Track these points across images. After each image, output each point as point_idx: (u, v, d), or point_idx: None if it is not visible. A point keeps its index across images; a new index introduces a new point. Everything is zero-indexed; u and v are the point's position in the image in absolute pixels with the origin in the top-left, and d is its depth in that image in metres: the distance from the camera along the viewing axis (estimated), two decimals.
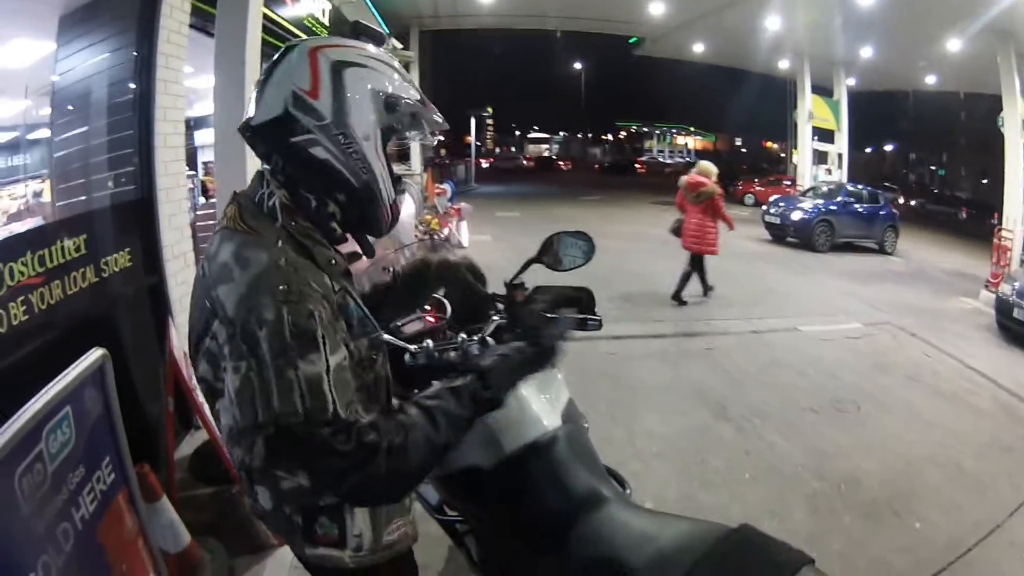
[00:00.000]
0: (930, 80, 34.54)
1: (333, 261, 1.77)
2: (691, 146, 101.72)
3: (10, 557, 2.05)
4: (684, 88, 72.66)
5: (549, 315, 2.15)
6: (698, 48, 34.90)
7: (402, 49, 25.31)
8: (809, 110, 30.52)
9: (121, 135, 4.84)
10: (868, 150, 64.60)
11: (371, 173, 1.79)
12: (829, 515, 5.17)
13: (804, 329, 10.70)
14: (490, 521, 2.28)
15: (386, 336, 2.09)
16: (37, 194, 4.59)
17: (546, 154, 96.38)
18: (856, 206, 21.62)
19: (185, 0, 5.28)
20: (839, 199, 21.59)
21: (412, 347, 2.29)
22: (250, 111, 1.77)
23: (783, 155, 53.52)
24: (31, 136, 4.68)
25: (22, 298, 3.28)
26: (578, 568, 1.94)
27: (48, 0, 4.52)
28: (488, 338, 2.32)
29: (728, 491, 5.46)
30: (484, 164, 55.59)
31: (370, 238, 1.99)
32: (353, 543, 1.84)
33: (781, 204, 22.20)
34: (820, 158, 31.47)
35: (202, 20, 6.51)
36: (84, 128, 4.70)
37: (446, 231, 15.68)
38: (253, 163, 1.70)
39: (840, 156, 31.03)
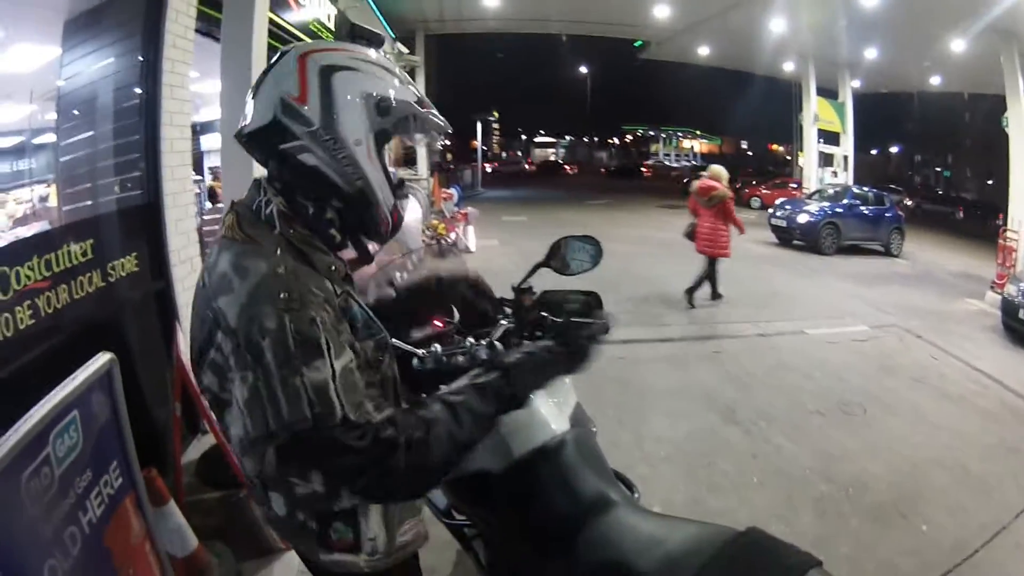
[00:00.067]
0: (934, 81, 34.53)
1: (333, 267, 1.76)
2: (697, 149, 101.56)
3: (17, 560, 2.06)
4: (689, 91, 72.39)
5: (582, 320, 2.12)
6: (703, 51, 34.90)
7: (407, 54, 25.37)
8: (814, 112, 30.55)
9: (127, 140, 4.84)
10: (873, 152, 64.52)
11: (364, 179, 1.77)
12: (836, 518, 5.16)
13: (811, 332, 10.69)
14: (498, 525, 2.28)
15: (393, 340, 2.08)
16: (43, 199, 4.60)
17: (552, 158, 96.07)
18: (862, 208, 21.59)
19: (190, 5, 5.29)
20: (845, 201, 21.59)
21: (420, 351, 2.29)
22: (245, 118, 1.76)
23: (789, 158, 53.53)
24: (37, 141, 4.68)
25: (28, 302, 3.28)
26: (586, 572, 1.94)
27: (53, 5, 4.53)
28: (496, 342, 2.31)
29: (736, 495, 5.46)
30: (487, 168, 55.54)
31: (372, 244, 1.97)
32: (368, 547, 1.82)
33: (787, 207, 22.23)
34: (826, 160, 31.50)
35: (208, 25, 6.52)
36: (90, 133, 4.71)
37: (453, 236, 15.69)
38: (259, 168, 1.68)
39: (846, 158, 31.05)
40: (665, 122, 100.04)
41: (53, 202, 4.57)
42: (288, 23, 10.95)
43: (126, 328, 4.43)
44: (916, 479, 5.84)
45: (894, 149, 69.77)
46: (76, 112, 4.75)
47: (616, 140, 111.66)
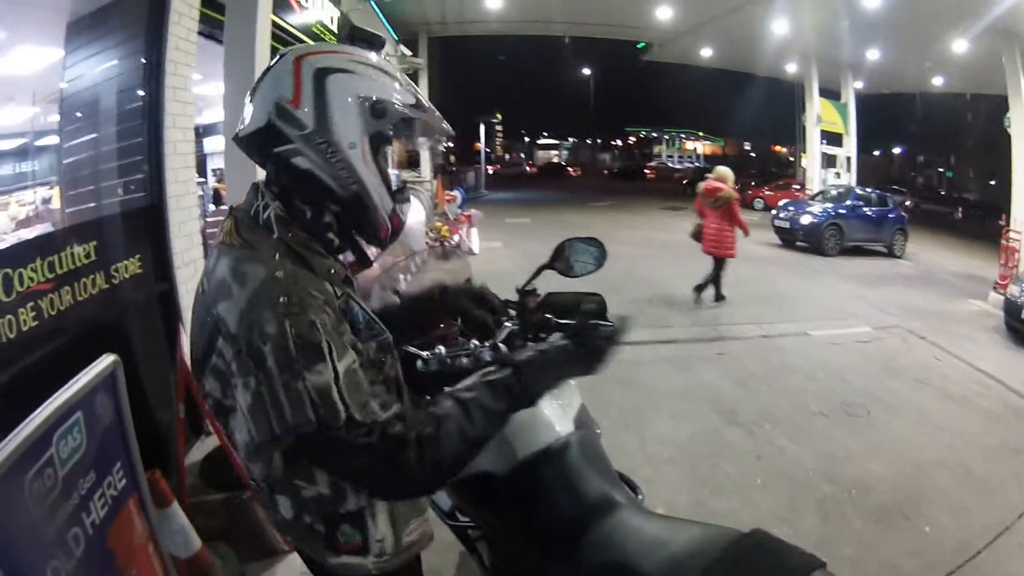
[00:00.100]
0: (937, 82, 34.60)
1: (333, 270, 1.75)
2: (700, 151, 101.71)
3: (20, 561, 2.05)
4: (692, 93, 72.55)
5: (602, 322, 2.10)
6: (706, 52, 34.97)
7: (410, 56, 25.37)
8: (817, 113, 30.59)
9: (130, 142, 4.84)
10: (876, 153, 64.52)
11: (359, 182, 1.75)
12: (839, 519, 5.16)
13: (814, 333, 10.69)
14: (502, 527, 2.28)
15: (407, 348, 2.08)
16: (46, 200, 4.60)
17: (555, 160, 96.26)
18: (865, 209, 21.60)
19: (193, 8, 5.29)
20: (848, 203, 21.59)
21: (424, 353, 2.29)
22: (243, 120, 1.75)
23: (792, 159, 53.54)
24: (39, 143, 4.68)
25: (31, 304, 3.28)
26: (590, 573, 1.94)
27: (55, 7, 4.53)
28: (500, 344, 2.31)
29: (739, 496, 5.46)
30: (489, 171, 55.61)
31: (372, 249, 1.97)
32: (376, 548, 1.81)
33: (790, 208, 22.24)
34: (829, 161, 31.52)
35: (211, 27, 6.53)
36: (93, 135, 4.70)
37: (456, 237, 15.69)
38: (263, 171, 1.68)
39: (849, 159, 31.10)
40: (668, 124, 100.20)
41: (56, 204, 4.57)
42: (291, 25, 10.97)
43: (130, 330, 4.42)
44: (919, 480, 5.84)
45: (897, 150, 69.76)
46: (79, 114, 4.75)
47: (619, 142, 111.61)
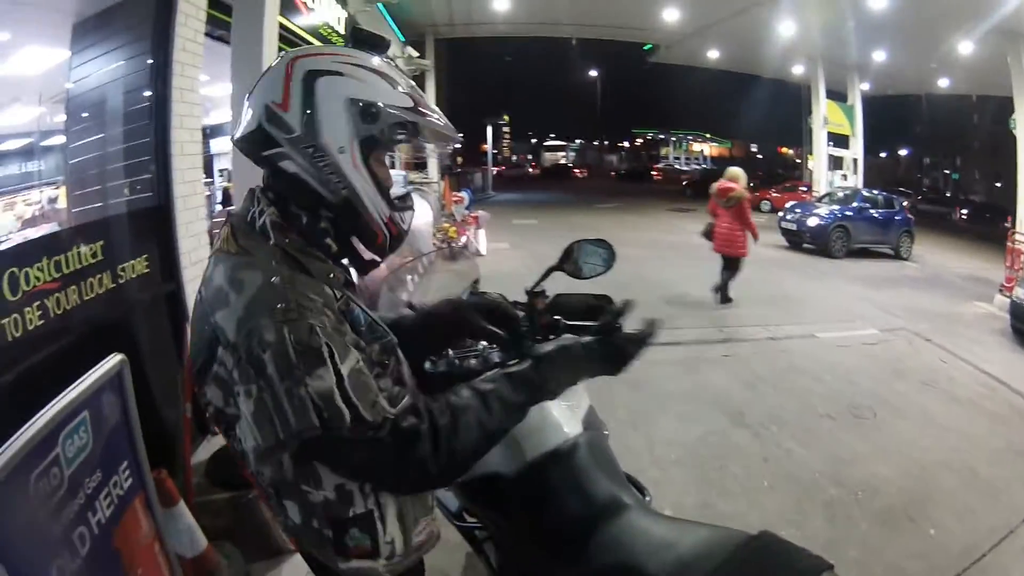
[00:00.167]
0: (942, 83, 34.66)
1: (332, 274, 1.72)
2: (707, 153, 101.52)
3: (24, 561, 2.06)
4: (699, 95, 72.52)
5: (635, 333, 2.07)
6: (712, 54, 35.01)
7: (418, 57, 25.39)
8: (824, 115, 30.55)
9: (137, 143, 4.85)
10: (883, 155, 64.46)
11: (349, 188, 1.70)
12: (846, 522, 5.15)
13: (821, 335, 10.67)
14: (510, 528, 2.27)
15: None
16: (52, 200, 4.62)
17: (562, 161, 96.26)
18: (872, 211, 21.58)
19: (200, 9, 5.30)
20: (855, 205, 21.57)
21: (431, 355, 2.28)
22: (240, 123, 1.74)
23: (798, 161, 53.54)
24: (45, 143, 4.70)
25: (38, 303, 3.29)
26: (598, 575, 1.93)
27: (61, 8, 4.55)
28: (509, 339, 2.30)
29: (746, 499, 5.45)
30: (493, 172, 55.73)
31: (370, 255, 1.89)
32: (386, 550, 1.78)
33: (797, 210, 22.20)
34: (835, 163, 31.46)
35: (218, 28, 6.54)
36: (100, 135, 4.72)
37: (464, 239, 15.70)
38: None
39: (855, 161, 31.07)
40: (675, 126, 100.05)
41: (62, 204, 4.58)
42: (298, 27, 10.99)
43: (136, 329, 4.43)
44: (925, 482, 5.82)
45: (903, 152, 69.69)
46: (85, 115, 4.76)
47: (626, 144, 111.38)
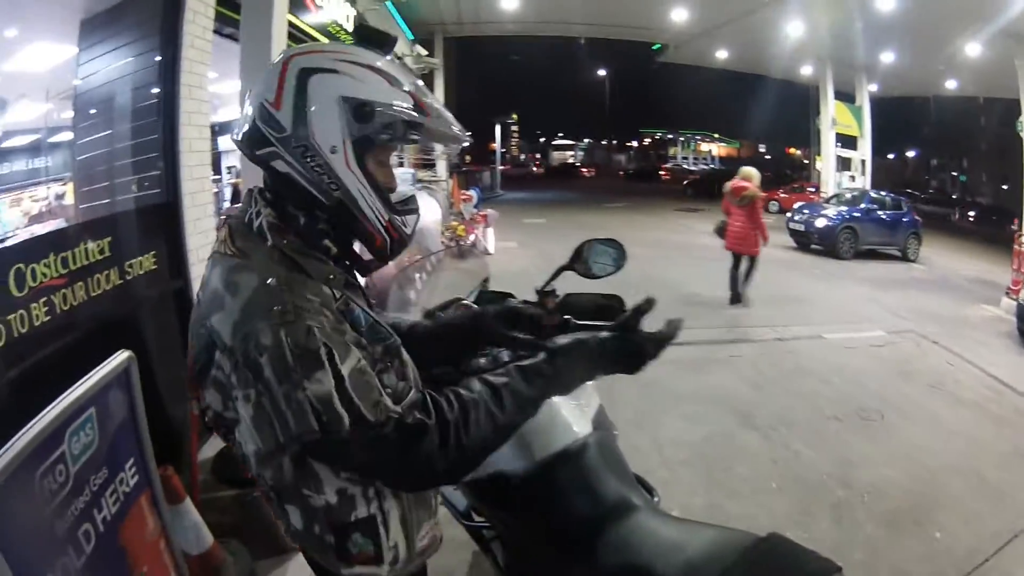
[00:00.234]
0: (950, 85, 34.65)
1: (332, 275, 1.67)
2: (715, 153, 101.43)
3: (28, 558, 2.05)
4: (707, 95, 72.42)
5: (656, 333, 2.03)
6: (721, 54, 35.08)
7: (426, 56, 25.42)
8: (832, 116, 30.57)
9: (145, 139, 4.85)
10: (890, 156, 64.38)
11: (343, 189, 1.65)
12: (852, 524, 5.14)
13: (828, 337, 10.65)
14: (519, 527, 2.26)
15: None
16: (59, 196, 4.62)
17: (570, 160, 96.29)
18: (879, 213, 21.55)
19: (208, 6, 5.30)
20: (863, 206, 21.52)
21: None
22: (240, 122, 1.71)
23: (807, 161, 53.49)
24: (53, 139, 4.70)
25: (44, 299, 3.29)
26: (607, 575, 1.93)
27: (68, 4, 4.55)
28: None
29: (754, 500, 5.44)
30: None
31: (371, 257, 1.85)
32: (389, 556, 1.75)
33: (805, 211, 22.21)
34: (843, 164, 31.44)
35: (227, 26, 6.54)
36: (107, 132, 4.72)
37: (472, 237, 15.70)
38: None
39: (863, 162, 31.05)
40: (683, 125, 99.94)
41: (69, 200, 4.58)
42: (307, 24, 11.00)
43: (144, 326, 4.43)
44: (931, 486, 5.81)
45: (911, 153, 69.62)
46: (93, 111, 4.76)
47: (634, 143, 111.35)
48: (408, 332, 2.08)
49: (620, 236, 2.72)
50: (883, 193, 23.67)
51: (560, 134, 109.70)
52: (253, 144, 1.65)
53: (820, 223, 20.79)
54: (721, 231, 12.35)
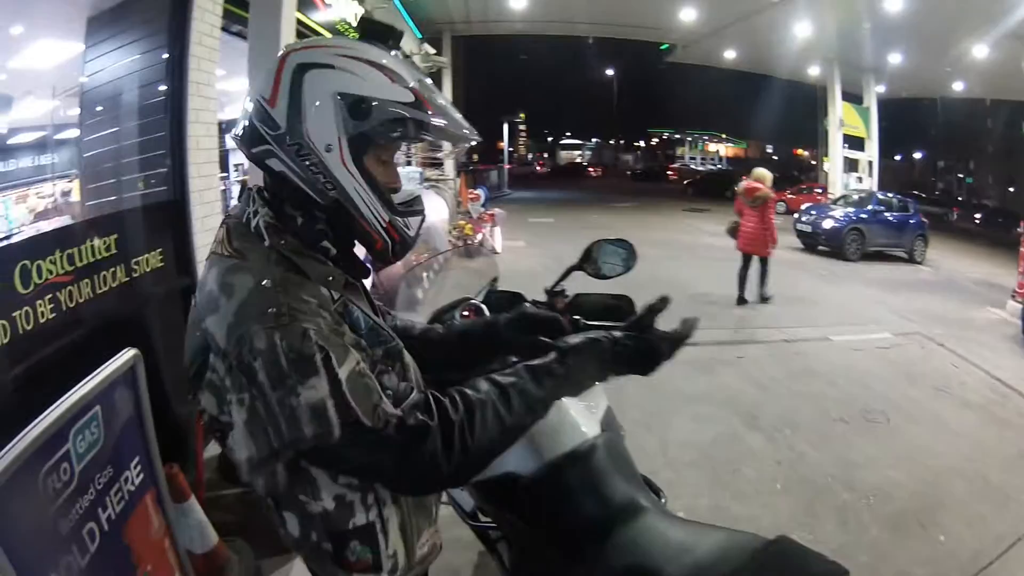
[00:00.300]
0: (957, 87, 34.56)
1: (331, 277, 1.62)
2: (723, 153, 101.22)
3: (32, 556, 2.05)
4: (715, 95, 72.16)
5: (671, 332, 2.01)
6: (729, 55, 35.02)
7: (434, 54, 25.42)
8: (840, 117, 30.52)
9: (152, 137, 4.86)
10: (897, 158, 64.28)
11: (339, 189, 1.60)
12: (857, 526, 5.13)
13: (835, 338, 10.64)
14: (526, 528, 2.25)
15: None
16: (66, 193, 4.62)
17: (578, 160, 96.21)
18: (886, 215, 21.52)
19: (216, 4, 5.30)
20: (870, 207, 21.47)
21: None
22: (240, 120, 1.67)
23: (814, 163, 53.44)
24: (59, 136, 4.70)
25: (50, 296, 3.29)
26: None
27: (76, 1, 4.55)
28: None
29: (759, 501, 5.44)
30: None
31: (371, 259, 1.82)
32: (388, 564, 1.72)
33: (812, 212, 22.19)
34: (851, 166, 31.42)
35: (235, 24, 6.55)
36: (114, 129, 4.73)
37: (479, 236, 15.70)
38: None
39: (870, 164, 31.02)
40: (691, 125, 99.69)
41: (76, 197, 4.59)
42: (315, 22, 11.01)
43: (150, 324, 4.43)
44: (936, 488, 5.81)
45: (918, 155, 69.52)
46: (100, 108, 4.77)
47: (642, 143, 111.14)
48: (420, 337, 2.06)
49: (628, 236, 2.71)
50: (890, 195, 23.66)
51: (568, 133, 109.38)
52: (249, 142, 1.62)
53: (827, 224, 20.78)
54: (733, 232, 12.42)
